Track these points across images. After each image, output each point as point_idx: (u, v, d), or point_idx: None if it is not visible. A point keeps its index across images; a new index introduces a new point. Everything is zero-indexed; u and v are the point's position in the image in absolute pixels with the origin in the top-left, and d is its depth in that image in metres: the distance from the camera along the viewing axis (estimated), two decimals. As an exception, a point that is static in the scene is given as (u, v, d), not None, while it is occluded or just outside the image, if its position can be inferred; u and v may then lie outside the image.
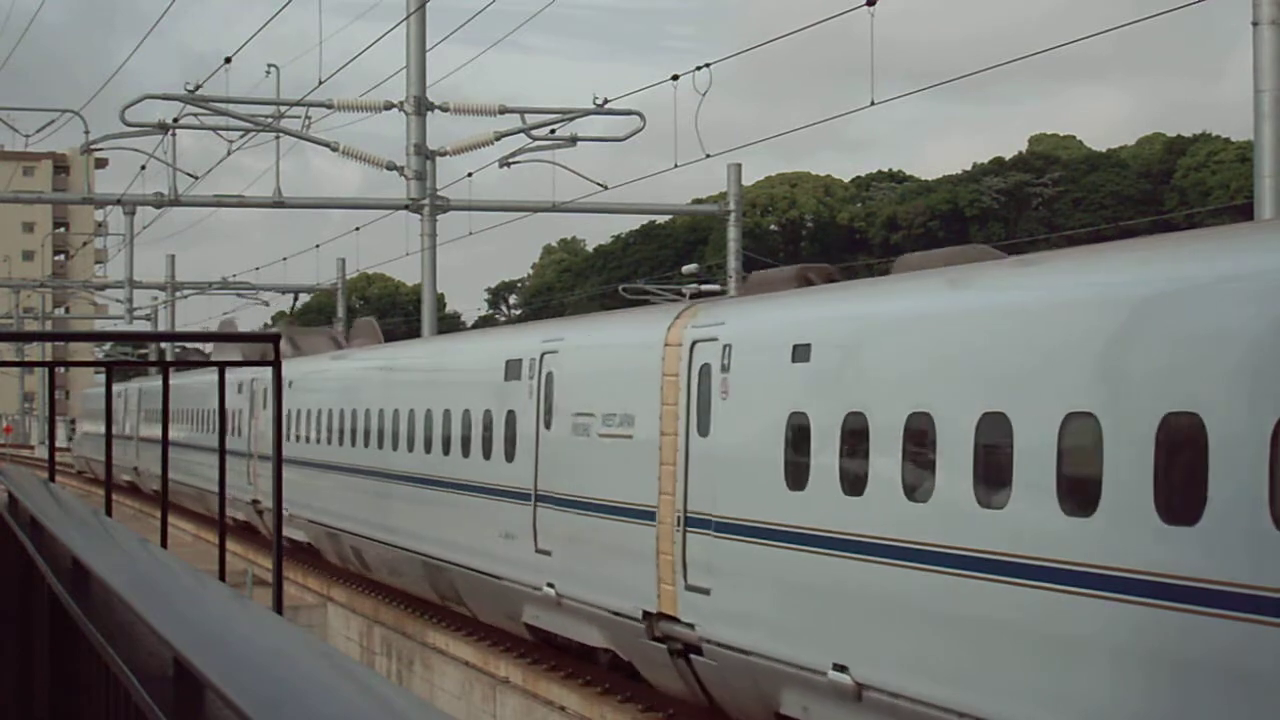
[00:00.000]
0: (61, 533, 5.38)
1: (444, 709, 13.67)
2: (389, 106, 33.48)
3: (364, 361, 27.66)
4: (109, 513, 8.53)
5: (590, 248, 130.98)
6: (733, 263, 36.56)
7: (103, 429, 50.04)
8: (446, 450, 21.23)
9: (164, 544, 9.51)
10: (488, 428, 19.75)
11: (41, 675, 5.94)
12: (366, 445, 24.92)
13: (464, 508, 20.49)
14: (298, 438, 29.01)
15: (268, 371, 28.54)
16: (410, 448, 22.74)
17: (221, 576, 9.49)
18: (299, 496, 28.49)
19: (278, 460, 9.66)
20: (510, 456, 18.87)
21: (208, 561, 22.65)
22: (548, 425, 17.79)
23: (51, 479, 9.57)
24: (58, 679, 5.52)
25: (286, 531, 29.39)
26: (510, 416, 18.91)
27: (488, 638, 20.88)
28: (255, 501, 33.39)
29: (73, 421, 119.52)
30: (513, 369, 18.96)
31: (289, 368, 29.20)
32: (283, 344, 38.59)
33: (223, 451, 10.08)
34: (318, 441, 28.03)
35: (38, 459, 66.73)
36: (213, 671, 2.58)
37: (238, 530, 34.92)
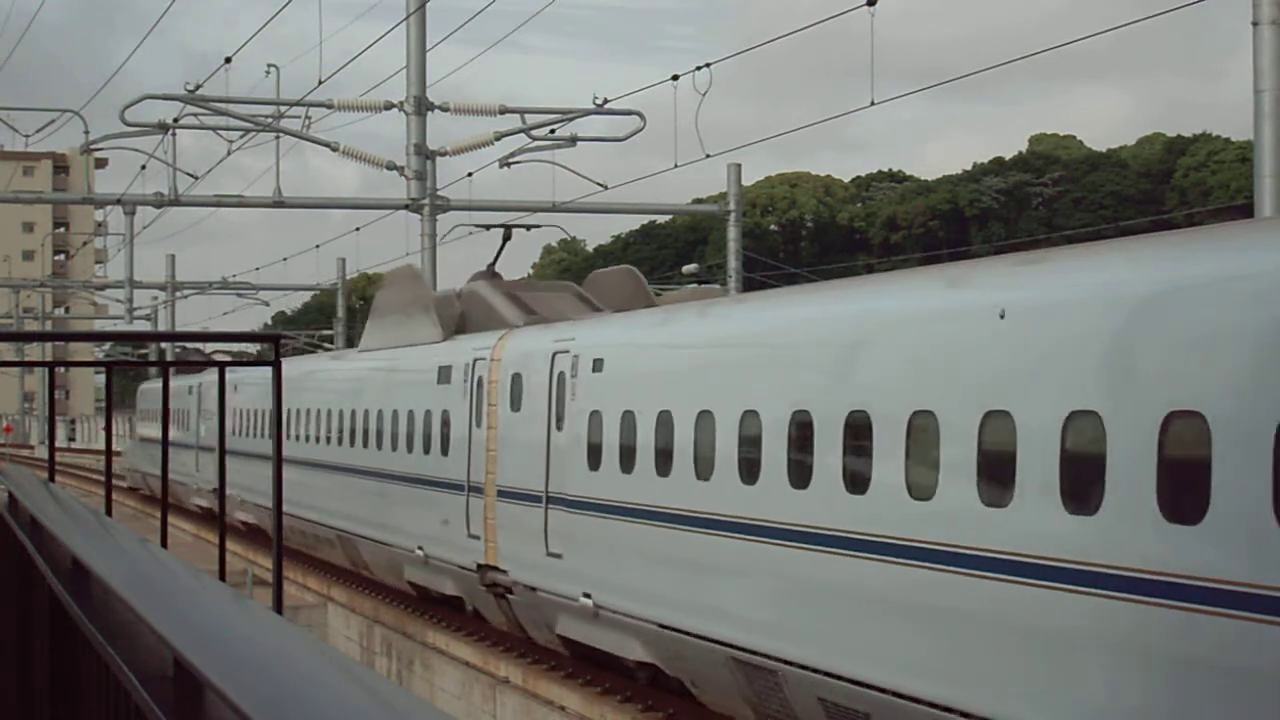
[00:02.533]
0: (61, 533, 5.38)
1: (444, 709, 13.58)
2: (389, 106, 33.51)
3: (831, 317, 13.23)
4: (109, 513, 8.55)
5: (590, 248, 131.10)
6: (733, 262, 36.56)
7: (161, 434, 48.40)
8: None
9: (164, 544, 9.52)
10: None
11: (41, 675, 5.94)
12: (890, 498, 11.55)
13: None
14: (623, 463, 16.14)
15: (497, 355, 19.94)
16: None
17: (221, 576, 9.50)
18: (616, 572, 16.33)
19: (278, 464, 9.68)
20: None
21: (208, 561, 22.64)
22: None
23: (51, 479, 9.58)
24: (58, 679, 5.52)
25: (573, 632, 17.72)
26: None
27: (488, 638, 20.84)
28: (484, 569, 19.87)
29: (72, 421, 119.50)
30: None
31: (577, 335, 17.98)
32: (507, 308, 25.98)
33: (222, 452, 10.09)
34: (697, 474, 14.53)
35: (38, 459, 66.67)
36: (213, 671, 2.58)
37: (444, 604, 22.89)
